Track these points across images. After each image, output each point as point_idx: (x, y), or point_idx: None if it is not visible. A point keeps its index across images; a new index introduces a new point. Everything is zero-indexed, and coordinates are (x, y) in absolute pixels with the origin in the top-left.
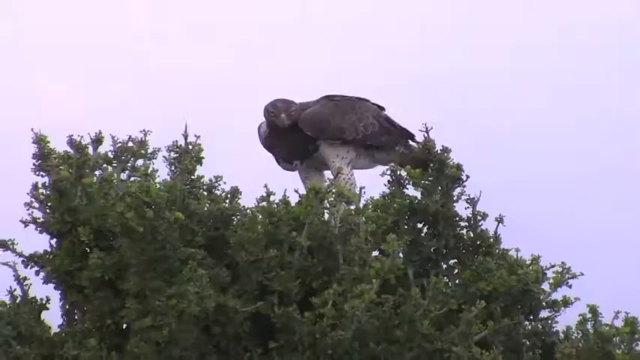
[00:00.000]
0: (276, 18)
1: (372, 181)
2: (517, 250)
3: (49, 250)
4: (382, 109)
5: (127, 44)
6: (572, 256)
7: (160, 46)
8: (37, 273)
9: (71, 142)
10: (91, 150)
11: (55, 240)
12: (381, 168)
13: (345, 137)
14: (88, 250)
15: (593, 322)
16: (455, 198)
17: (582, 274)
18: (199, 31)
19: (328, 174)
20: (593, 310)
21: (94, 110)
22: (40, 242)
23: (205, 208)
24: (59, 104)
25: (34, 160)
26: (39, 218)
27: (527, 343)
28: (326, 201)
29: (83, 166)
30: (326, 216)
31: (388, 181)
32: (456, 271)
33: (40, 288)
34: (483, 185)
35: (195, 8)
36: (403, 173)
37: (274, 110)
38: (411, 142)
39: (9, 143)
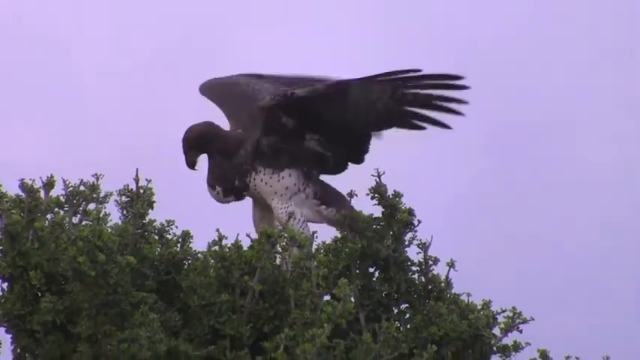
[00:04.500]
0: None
1: (323, 226)
2: (468, 294)
3: (0, 293)
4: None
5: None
6: (522, 300)
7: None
8: None
9: (23, 185)
10: (42, 194)
11: (6, 284)
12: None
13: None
14: (40, 294)
15: None
16: (406, 243)
17: (533, 319)
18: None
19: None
20: (544, 355)
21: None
22: None
23: (157, 252)
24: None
25: None
26: None
27: None
28: (278, 245)
29: (35, 209)
30: (278, 260)
31: (338, 223)
32: (408, 315)
33: None
34: (435, 230)
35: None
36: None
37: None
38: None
39: None
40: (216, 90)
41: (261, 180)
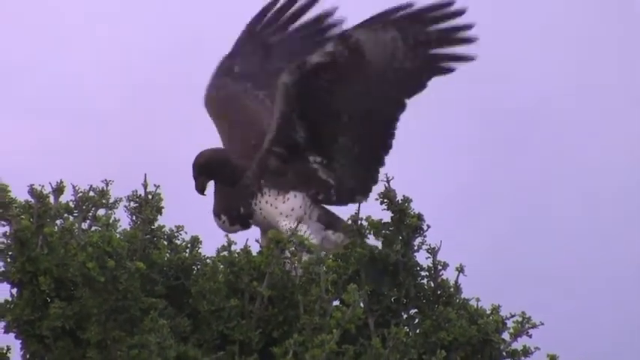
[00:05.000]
0: None
1: None
2: (477, 299)
3: (9, 299)
4: None
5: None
6: (532, 305)
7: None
8: None
9: (32, 191)
10: (52, 199)
11: (15, 289)
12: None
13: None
14: (49, 300)
15: None
16: (415, 248)
17: (542, 324)
18: None
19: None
20: (554, 359)
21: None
22: (0, 292)
23: (166, 258)
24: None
25: None
26: None
27: None
28: (287, 250)
29: (44, 215)
30: (287, 265)
31: (349, 230)
32: (417, 320)
33: (1, 337)
34: (444, 235)
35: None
36: (364, 223)
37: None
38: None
39: None
40: (214, 109)
41: (267, 202)
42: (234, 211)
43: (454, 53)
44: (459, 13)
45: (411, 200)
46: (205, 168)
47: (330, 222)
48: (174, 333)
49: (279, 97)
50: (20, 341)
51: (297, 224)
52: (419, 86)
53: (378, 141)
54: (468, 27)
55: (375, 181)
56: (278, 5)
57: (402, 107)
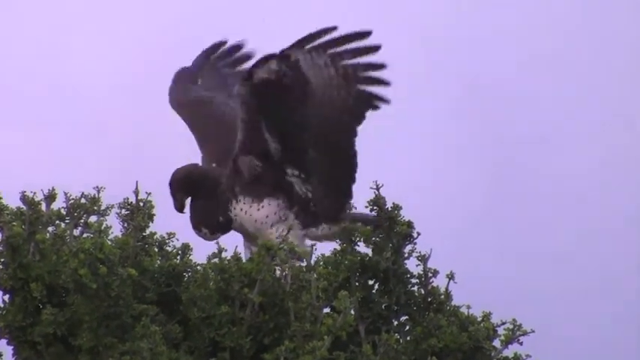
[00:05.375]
0: None
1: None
2: (468, 307)
3: (1, 305)
4: None
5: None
6: (522, 312)
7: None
8: None
9: (24, 198)
10: (44, 206)
11: (7, 296)
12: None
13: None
14: (41, 306)
15: None
16: (406, 255)
17: (533, 331)
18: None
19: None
20: None
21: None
22: None
23: (157, 265)
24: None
25: None
26: None
27: None
28: (277, 257)
29: (36, 222)
30: (277, 272)
31: (339, 237)
32: (407, 327)
33: None
34: (434, 242)
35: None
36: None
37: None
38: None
39: None
40: (188, 109)
41: (241, 209)
42: (213, 221)
43: (374, 92)
44: (374, 48)
45: (400, 208)
46: (183, 184)
47: (308, 220)
48: (165, 340)
49: (240, 105)
50: (12, 347)
51: (289, 231)
52: (360, 114)
53: (340, 159)
54: (381, 66)
55: (348, 196)
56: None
57: (353, 130)
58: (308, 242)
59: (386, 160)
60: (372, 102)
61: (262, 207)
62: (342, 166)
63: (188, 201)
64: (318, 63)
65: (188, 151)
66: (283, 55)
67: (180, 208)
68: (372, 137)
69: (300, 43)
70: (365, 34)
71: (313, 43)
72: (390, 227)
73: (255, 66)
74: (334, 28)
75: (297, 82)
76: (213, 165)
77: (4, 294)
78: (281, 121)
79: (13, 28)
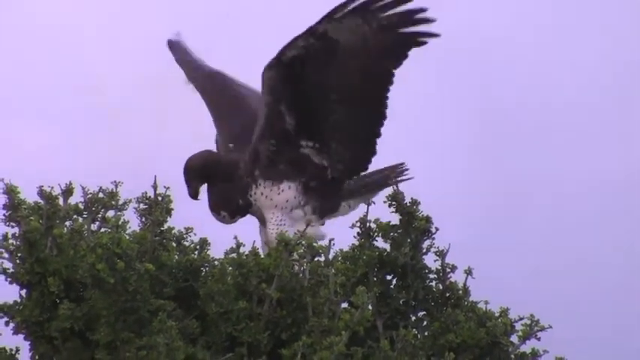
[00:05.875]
0: None
1: (341, 233)
2: (486, 302)
3: (18, 300)
4: None
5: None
6: (540, 308)
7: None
8: (6, 323)
9: (41, 192)
10: (61, 201)
11: (24, 290)
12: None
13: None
14: (58, 301)
15: None
16: (424, 250)
17: (550, 327)
18: None
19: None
20: None
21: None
22: (9, 293)
23: (175, 260)
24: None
25: (4, 211)
26: (8, 269)
27: None
28: (295, 253)
29: (53, 217)
30: (295, 267)
31: (357, 233)
32: (425, 323)
33: (10, 338)
34: (453, 238)
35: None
36: (372, 225)
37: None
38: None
39: None
40: (203, 85)
41: (262, 193)
42: (232, 205)
43: (419, 30)
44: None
45: (419, 203)
46: (198, 172)
47: (325, 210)
48: (182, 335)
49: (265, 89)
50: (29, 342)
51: (306, 227)
52: (401, 56)
53: (370, 112)
54: (422, 10)
55: (373, 152)
56: None
57: (389, 77)
58: (324, 232)
59: (407, 154)
60: (416, 40)
61: (282, 191)
62: (371, 117)
63: (202, 188)
64: (350, 26)
65: (206, 144)
66: (312, 30)
67: (194, 195)
68: (394, 129)
69: (328, 15)
70: None
71: (343, 11)
72: (409, 222)
73: (282, 50)
74: None
75: (327, 50)
76: (230, 145)
77: (21, 289)
78: (305, 95)
79: (28, 21)
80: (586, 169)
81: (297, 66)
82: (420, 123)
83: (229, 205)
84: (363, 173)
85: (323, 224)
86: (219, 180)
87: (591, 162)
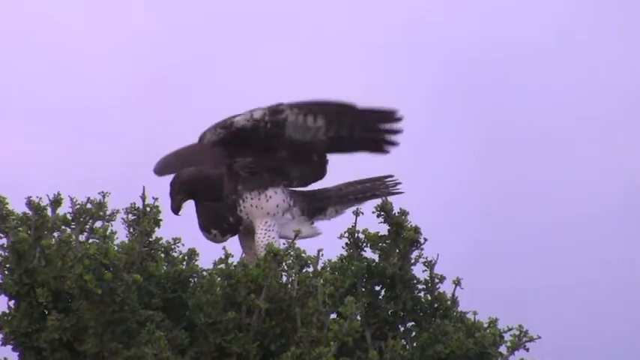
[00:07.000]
0: None
1: (329, 244)
2: (474, 312)
3: (7, 311)
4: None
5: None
6: (529, 318)
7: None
8: None
9: (29, 203)
10: (49, 211)
11: (13, 301)
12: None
13: None
14: (46, 312)
15: None
16: (412, 261)
17: (539, 337)
18: None
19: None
20: None
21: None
22: None
23: (163, 270)
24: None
25: None
26: None
27: None
28: (284, 263)
29: (41, 227)
30: (284, 278)
31: (346, 243)
32: (414, 333)
33: None
34: (441, 248)
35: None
36: (361, 236)
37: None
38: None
39: None
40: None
41: (251, 205)
42: (223, 223)
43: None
44: (396, 119)
45: (407, 213)
46: (187, 186)
47: (311, 210)
48: (171, 345)
49: (212, 145)
50: (18, 353)
51: (295, 237)
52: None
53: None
54: (399, 131)
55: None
56: None
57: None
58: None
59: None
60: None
61: (270, 197)
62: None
63: (185, 204)
64: (309, 126)
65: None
66: (275, 110)
67: (176, 210)
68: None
69: (302, 104)
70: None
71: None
72: (397, 233)
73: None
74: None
75: (271, 132)
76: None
77: (9, 300)
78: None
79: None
80: (587, 187)
81: (239, 133)
82: (421, 136)
83: (220, 223)
84: (355, 179)
85: (312, 224)
86: (208, 197)
87: (592, 179)
